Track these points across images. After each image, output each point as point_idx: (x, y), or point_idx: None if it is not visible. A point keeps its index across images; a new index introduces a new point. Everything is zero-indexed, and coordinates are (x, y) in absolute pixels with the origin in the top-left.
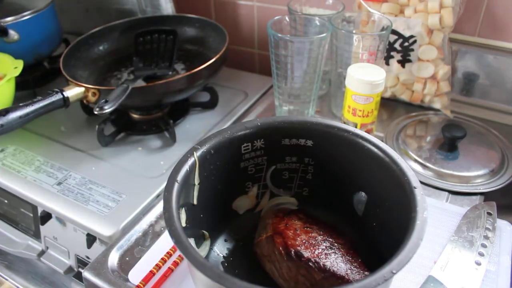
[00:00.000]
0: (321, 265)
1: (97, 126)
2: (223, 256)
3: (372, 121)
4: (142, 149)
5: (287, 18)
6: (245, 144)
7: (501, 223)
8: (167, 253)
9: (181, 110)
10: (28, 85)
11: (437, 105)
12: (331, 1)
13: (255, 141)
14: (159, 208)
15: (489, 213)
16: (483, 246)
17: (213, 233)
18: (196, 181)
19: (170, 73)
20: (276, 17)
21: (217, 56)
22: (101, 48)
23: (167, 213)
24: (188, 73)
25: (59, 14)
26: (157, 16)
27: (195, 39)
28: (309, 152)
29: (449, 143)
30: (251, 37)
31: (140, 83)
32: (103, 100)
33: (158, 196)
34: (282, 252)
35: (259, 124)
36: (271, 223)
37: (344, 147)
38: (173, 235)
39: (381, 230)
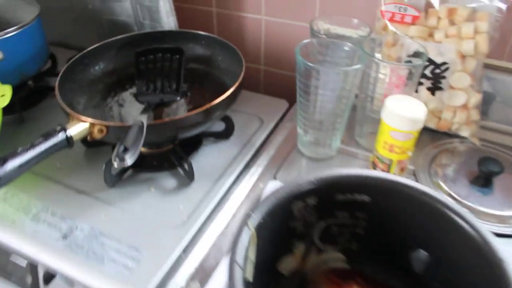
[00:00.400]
0: None
1: (104, 165)
2: None
3: (408, 158)
4: (155, 190)
5: (314, 42)
6: (297, 203)
7: None
8: None
9: (193, 142)
10: (14, 108)
11: (465, 133)
12: (356, 21)
13: (307, 198)
14: (188, 266)
15: None
16: None
17: None
18: (252, 255)
19: (178, 98)
20: (304, 41)
21: (237, 83)
22: (97, 68)
23: None
24: (209, 104)
25: (43, 24)
26: (158, 32)
27: (201, 58)
28: (364, 207)
29: (484, 177)
30: (257, 52)
31: (149, 114)
32: (121, 149)
33: (184, 250)
34: None
35: (314, 181)
36: None
37: (407, 204)
38: None
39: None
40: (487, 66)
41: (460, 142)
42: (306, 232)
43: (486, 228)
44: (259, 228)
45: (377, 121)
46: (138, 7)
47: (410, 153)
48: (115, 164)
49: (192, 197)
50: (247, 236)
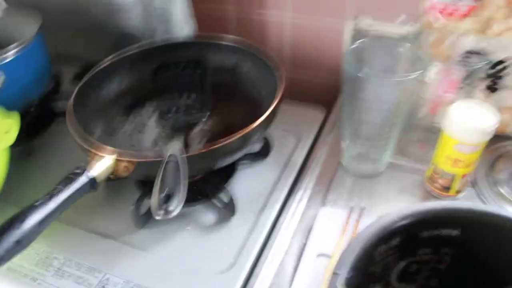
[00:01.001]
0: None
1: (133, 206)
2: None
3: (472, 170)
4: (191, 228)
5: (363, 46)
6: (379, 248)
7: None
8: None
9: (224, 168)
10: (19, 139)
11: None
12: (402, 17)
13: (390, 241)
14: None
15: None
16: None
17: None
18: None
19: (204, 119)
20: (353, 46)
21: (278, 98)
22: (109, 89)
23: None
24: (251, 126)
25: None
26: (175, 42)
27: (225, 68)
28: (451, 243)
29: None
30: (281, 56)
31: (179, 142)
32: (163, 197)
33: None
34: None
35: (398, 220)
36: None
37: (498, 235)
38: None
39: None
40: None
41: None
42: (384, 274)
43: None
44: (347, 285)
45: (425, 128)
46: (148, 14)
47: (475, 166)
48: (157, 216)
49: (235, 233)
50: None
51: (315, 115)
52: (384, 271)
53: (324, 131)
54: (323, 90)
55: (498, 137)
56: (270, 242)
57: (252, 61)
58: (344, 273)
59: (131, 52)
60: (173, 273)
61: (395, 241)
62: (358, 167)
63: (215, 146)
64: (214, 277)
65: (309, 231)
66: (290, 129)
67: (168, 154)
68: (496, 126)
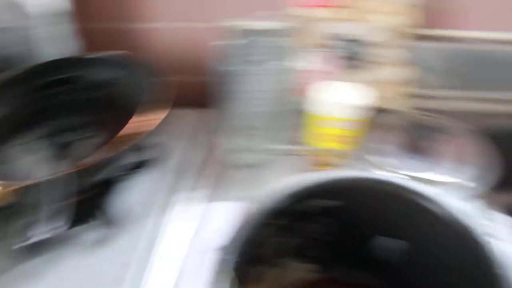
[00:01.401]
0: None
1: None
2: None
3: (350, 145)
4: (78, 249)
5: (235, 44)
6: (267, 230)
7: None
8: None
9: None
10: None
11: (395, 106)
12: (271, 13)
13: (277, 221)
14: None
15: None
16: None
17: None
18: None
19: (90, 136)
20: (225, 43)
21: (169, 109)
22: None
23: None
24: (138, 139)
25: None
26: (51, 61)
27: (106, 83)
28: (336, 212)
29: (424, 147)
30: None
31: (63, 161)
32: (22, 224)
33: None
34: None
35: (282, 198)
36: None
37: (378, 198)
38: None
39: (422, 276)
40: (409, 37)
41: (392, 115)
42: (276, 254)
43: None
44: (237, 269)
45: (304, 114)
46: (25, 36)
47: (352, 141)
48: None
49: (127, 245)
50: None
51: (199, 116)
52: (277, 251)
53: (208, 130)
54: (205, 91)
55: (377, 111)
56: (162, 247)
57: (131, 73)
58: (232, 258)
59: (8, 76)
60: None
61: (281, 221)
62: (243, 159)
63: (90, 163)
64: None
65: (200, 228)
66: (174, 133)
67: (39, 176)
68: (364, 102)
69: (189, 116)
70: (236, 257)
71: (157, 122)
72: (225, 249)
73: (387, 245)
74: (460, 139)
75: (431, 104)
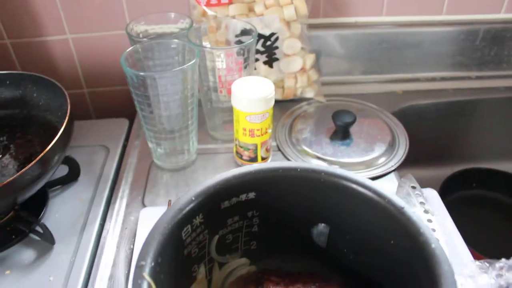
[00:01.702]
0: None
1: None
2: None
3: (270, 136)
4: (11, 271)
5: (138, 48)
6: (184, 229)
7: (425, 191)
8: None
9: (38, 198)
10: None
11: (309, 94)
12: (173, 15)
13: (193, 220)
14: None
15: (413, 187)
16: (428, 220)
17: None
18: None
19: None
20: (127, 50)
21: (67, 118)
22: None
23: None
24: (44, 152)
25: None
26: None
27: (12, 101)
28: (252, 205)
29: (342, 130)
30: (74, 76)
31: None
32: None
33: None
34: None
35: (193, 199)
36: None
37: (292, 186)
38: None
39: (355, 254)
40: (309, 27)
41: (308, 104)
42: (202, 252)
43: (361, 176)
44: (155, 274)
45: (226, 110)
46: None
47: (270, 131)
48: None
49: (60, 261)
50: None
51: (120, 125)
52: (201, 249)
53: (131, 138)
54: (122, 100)
55: (289, 102)
56: (97, 259)
57: (38, 89)
58: (148, 263)
59: None
60: None
61: (198, 219)
62: (171, 162)
63: (6, 182)
64: None
65: (134, 236)
66: (97, 144)
67: None
68: (273, 93)
69: (115, 124)
70: (153, 261)
71: (66, 135)
72: (139, 256)
73: (323, 231)
74: (372, 119)
75: (341, 89)
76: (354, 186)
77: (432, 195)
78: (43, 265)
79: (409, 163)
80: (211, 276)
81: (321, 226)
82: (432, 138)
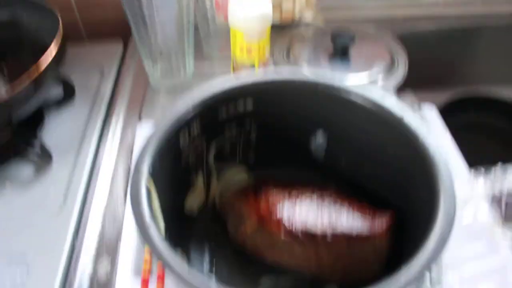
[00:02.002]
0: (340, 231)
1: None
2: (208, 268)
3: (267, 54)
4: (10, 185)
5: None
6: (182, 136)
7: (424, 107)
8: None
9: (34, 119)
10: None
11: (308, 18)
12: None
13: (191, 126)
14: (87, 248)
15: (411, 104)
16: None
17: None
18: (156, 205)
19: None
20: None
21: (58, 36)
22: None
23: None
24: (37, 71)
25: None
26: None
27: (2, 24)
28: (250, 114)
29: (341, 50)
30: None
31: None
32: None
33: (75, 234)
34: (287, 238)
35: (191, 105)
36: (247, 210)
37: (288, 96)
38: None
39: (353, 165)
40: None
41: (307, 29)
42: (200, 161)
43: (364, 89)
44: (153, 173)
45: (223, 32)
46: None
47: (267, 50)
48: None
49: (59, 176)
50: (144, 186)
51: (114, 49)
52: (200, 158)
53: (126, 60)
54: (117, 23)
55: (287, 27)
56: (95, 173)
57: (29, 9)
58: (148, 161)
59: None
60: (5, 231)
61: (196, 126)
62: (166, 83)
63: (4, 98)
64: (48, 221)
65: (132, 151)
66: (92, 67)
67: None
68: (271, 9)
69: (109, 47)
70: (151, 162)
71: (59, 54)
72: (137, 160)
73: (321, 142)
74: (372, 43)
75: (340, 14)
76: (353, 97)
77: (431, 111)
78: (42, 181)
79: (408, 88)
80: (209, 185)
81: (320, 137)
82: (431, 65)
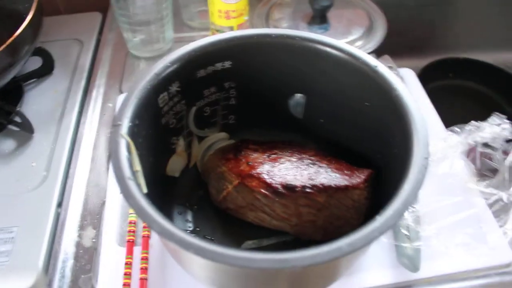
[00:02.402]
0: (319, 185)
1: None
2: (190, 231)
3: (246, 18)
4: None
5: None
6: (161, 96)
7: (402, 70)
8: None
9: (13, 92)
10: None
11: None
12: None
13: (169, 87)
14: (72, 217)
15: (389, 67)
16: None
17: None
18: (138, 166)
19: None
20: None
21: (35, 4)
22: None
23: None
24: (12, 38)
25: None
26: None
27: None
28: (228, 75)
29: (319, 15)
30: None
31: None
32: None
33: (59, 205)
34: (267, 193)
35: (169, 64)
36: (228, 170)
37: (266, 53)
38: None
39: (332, 122)
40: None
41: None
42: (180, 124)
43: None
44: (132, 135)
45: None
46: None
47: (246, 18)
48: None
49: (41, 148)
50: (125, 147)
51: (93, 19)
52: (179, 120)
53: (105, 30)
54: None
55: None
56: (77, 144)
57: None
58: (126, 123)
59: None
60: None
61: (174, 87)
62: (146, 51)
63: None
64: (31, 193)
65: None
66: (71, 39)
67: None
68: None
69: (87, 18)
70: (130, 121)
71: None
72: (117, 114)
73: (300, 101)
74: (351, 7)
75: None
76: (328, 49)
77: (409, 75)
78: (24, 152)
79: (387, 53)
80: (191, 149)
81: (298, 96)
82: (410, 28)
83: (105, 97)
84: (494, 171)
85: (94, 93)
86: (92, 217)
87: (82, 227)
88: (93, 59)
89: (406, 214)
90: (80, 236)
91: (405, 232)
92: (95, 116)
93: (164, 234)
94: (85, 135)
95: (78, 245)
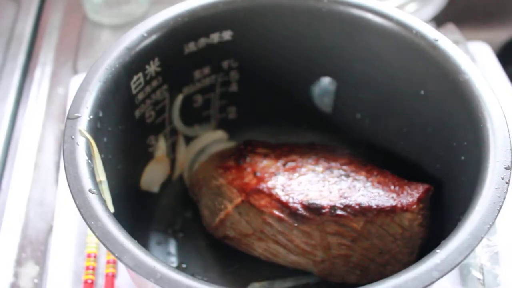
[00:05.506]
0: (354, 206)
1: None
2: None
3: None
4: None
5: None
6: (134, 78)
7: (473, 45)
8: None
9: None
10: None
11: None
12: None
13: (146, 66)
14: (5, 251)
15: (455, 41)
16: None
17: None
18: (102, 176)
19: None
20: None
21: None
22: None
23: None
24: None
25: None
26: None
27: None
28: (228, 50)
29: None
30: None
31: None
32: None
33: None
34: (283, 216)
35: (145, 35)
36: (227, 184)
37: (280, 21)
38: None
39: (372, 118)
40: None
41: None
42: (160, 118)
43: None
44: (95, 131)
45: None
46: None
47: None
48: None
49: None
50: (84, 149)
51: None
52: (160, 113)
53: None
54: None
55: None
56: (13, 145)
57: None
58: (85, 115)
59: None
60: None
61: (153, 66)
62: (112, 14)
63: None
64: None
65: (65, 113)
66: None
67: None
68: None
69: None
70: (90, 114)
71: None
72: (72, 105)
73: (327, 89)
74: None
75: None
76: (370, 15)
77: (484, 52)
78: None
79: (453, 21)
80: (175, 154)
81: (325, 81)
82: None
83: (54, 80)
84: None
85: (37, 74)
86: (34, 248)
87: (19, 262)
88: (36, 25)
89: (478, 248)
90: (16, 274)
91: (478, 274)
92: (39, 106)
93: (142, 269)
94: (25, 133)
95: (14, 287)
